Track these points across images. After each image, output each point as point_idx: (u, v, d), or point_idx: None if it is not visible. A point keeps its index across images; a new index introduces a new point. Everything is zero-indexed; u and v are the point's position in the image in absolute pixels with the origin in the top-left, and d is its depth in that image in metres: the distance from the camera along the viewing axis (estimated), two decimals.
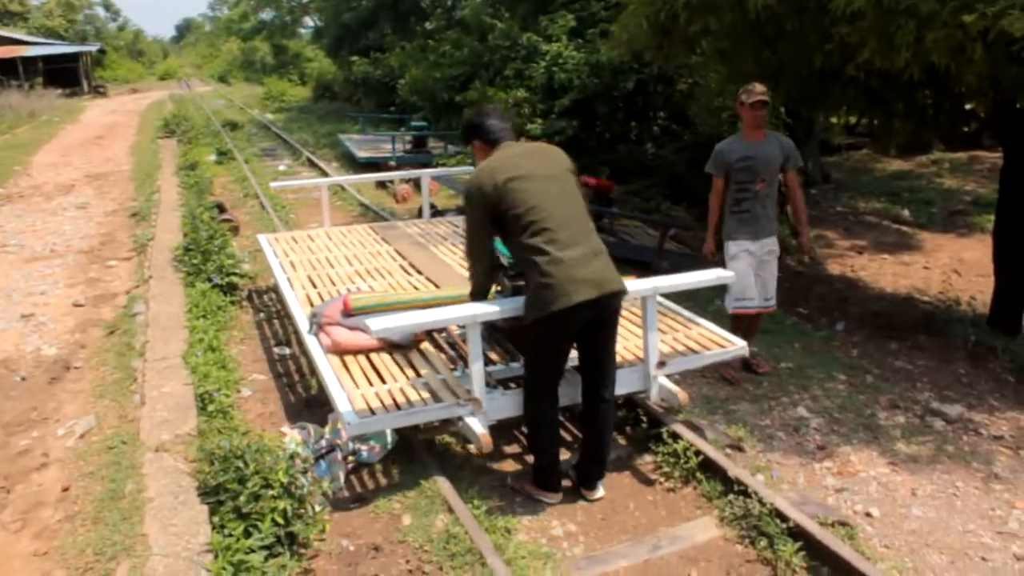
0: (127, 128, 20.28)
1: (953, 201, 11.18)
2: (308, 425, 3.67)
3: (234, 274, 6.08)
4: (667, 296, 4.32)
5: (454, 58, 14.40)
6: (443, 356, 3.79)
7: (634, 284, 3.42)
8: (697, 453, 3.46)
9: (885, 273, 7.82)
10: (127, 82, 46.97)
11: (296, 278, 4.95)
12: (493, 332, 3.85)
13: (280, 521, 2.79)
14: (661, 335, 3.77)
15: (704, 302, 5.62)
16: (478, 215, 3.16)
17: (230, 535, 2.73)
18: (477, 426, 3.24)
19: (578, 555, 3.01)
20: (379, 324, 3.09)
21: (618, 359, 3.50)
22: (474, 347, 3.22)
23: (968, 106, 6.00)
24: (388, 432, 3.56)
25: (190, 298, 5.49)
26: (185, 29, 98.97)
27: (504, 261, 3.44)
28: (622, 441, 3.83)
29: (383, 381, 3.50)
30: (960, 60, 3.84)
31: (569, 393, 3.37)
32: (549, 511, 3.28)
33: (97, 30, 55.77)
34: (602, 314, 3.08)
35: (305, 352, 4.51)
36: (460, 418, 3.30)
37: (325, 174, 11.97)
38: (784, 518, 2.98)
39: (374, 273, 5.11)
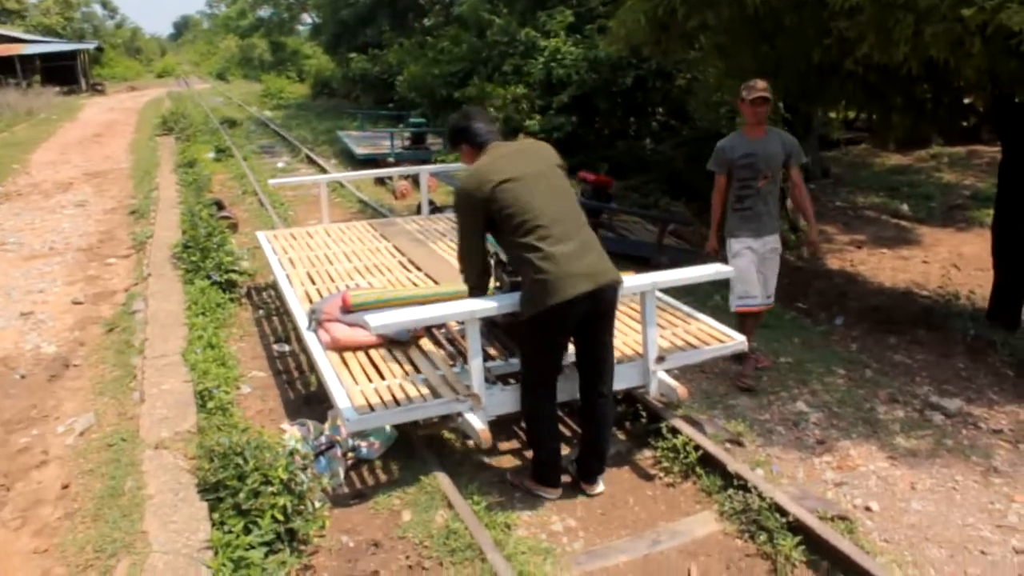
0: (125, 126, 20.24)
1: (952, 195, 11.20)
2: (308, 422, 3.67)
3: (233, 271, 6.08)
4: (666, 291, 4.33)
5: (452, 54, 14.37)
6: (442, 352, 3.79)
7: (633, 279, 3.42)
8: (696, 448, 3.47)
9: (884, 267, 7.83)
10: (125, 80, 46.95)
11: (295, 275, 4.95)
12: (492, 328, 3.85)
13: (280, 517, 2.79)
14: (660, 330, 3.77)
15: (703, 297, 5.62)
16: (469, 219, 3.17)
17: (230, 532, 2.74)
18: (476, 422, 3.24)
19: (578, 550, 3.01)
20: (378, 320, 3.09)
21: (617, 354, 3.51)
22: (473, 343, 3.22)
23: (967, 100, 5.99)
24: (387, 428, 3.56)
25: (189, 295, 5.49)
26: (183, 26, 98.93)
27: (503, 257, 3.44)
28: (621, 436, 3.83)
29: (382, 377, 3.50)
30: (959, 54, 3.84)
31: (568, 388, 3.37)
32: (549, 506, 3.28)
33: (95, 28, 55.81)
34: (599, 307, 3.08)
35: (304, 349, 4.51)
36: (459, 414, 3.30)
37: (324, 171, 11.95)
38: (784, 512, 2.99)
39: (373, 270, 5.11)
